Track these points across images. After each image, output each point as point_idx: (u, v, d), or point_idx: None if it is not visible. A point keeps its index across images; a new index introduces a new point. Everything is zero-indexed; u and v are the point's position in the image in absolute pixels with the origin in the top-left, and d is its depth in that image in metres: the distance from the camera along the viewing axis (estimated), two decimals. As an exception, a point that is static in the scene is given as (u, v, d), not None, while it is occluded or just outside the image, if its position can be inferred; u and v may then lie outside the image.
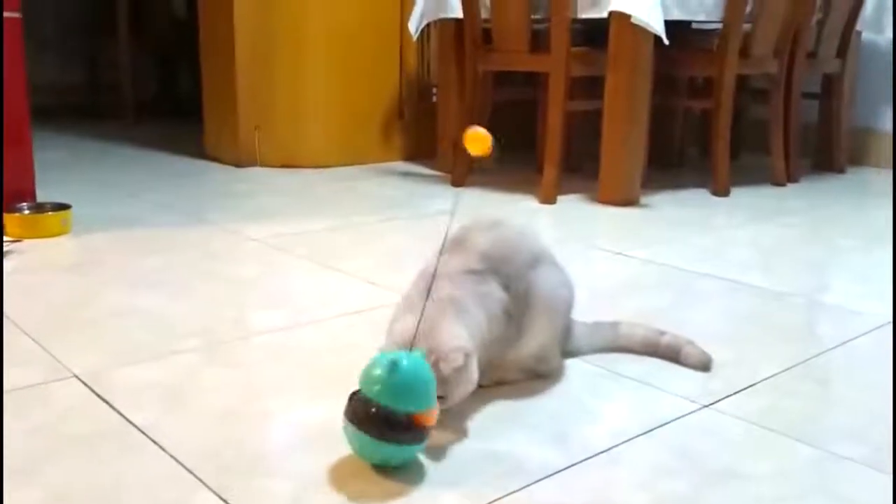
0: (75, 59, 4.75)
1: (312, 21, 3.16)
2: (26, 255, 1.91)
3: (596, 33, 2.65)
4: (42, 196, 2.25)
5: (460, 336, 1.06)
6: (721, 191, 2.79)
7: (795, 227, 2.37)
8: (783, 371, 1.32)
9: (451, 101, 3.07)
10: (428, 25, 3.10)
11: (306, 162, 3.19)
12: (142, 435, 1.07)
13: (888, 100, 3.47)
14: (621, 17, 2.46)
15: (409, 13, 3.08)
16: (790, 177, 3.04)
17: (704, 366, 1.32)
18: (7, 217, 2.05)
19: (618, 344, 1.38)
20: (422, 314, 1.05)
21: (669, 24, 2.46)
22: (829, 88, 3.27)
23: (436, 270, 1.13)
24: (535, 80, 3.13)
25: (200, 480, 0.97)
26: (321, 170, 3.16)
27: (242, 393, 1.21)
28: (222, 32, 3.17)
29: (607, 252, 2.06)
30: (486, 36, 2.78)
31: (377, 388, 0.96)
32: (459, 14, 2.83)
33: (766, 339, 1.49)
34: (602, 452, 1.05)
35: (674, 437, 1.10)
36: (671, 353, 1.35)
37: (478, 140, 1.03)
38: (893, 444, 1.08)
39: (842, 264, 2.02)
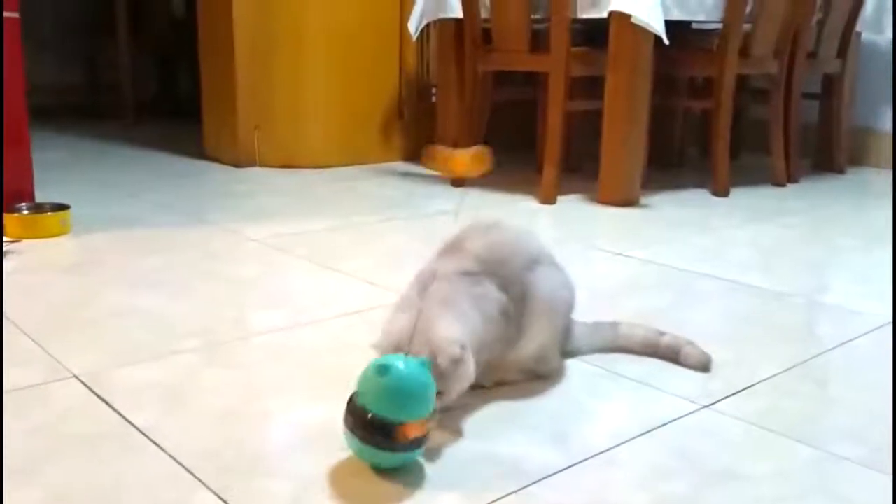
0: (74, 60, 4.75)
1: (312, 21, 3.16)
2: (26, 256, 1.91)
3: (596, 33, 2.65)
4: (41, 196, 2.25)
5: (455, 331, 1.06)
6: (721, 191, 2.80)
7: (795, 228, 2.37)
8: (783, 371, 1.32)
9: (451, 101, 3.07)
10: (428, 25, 3.10)
11: (306, 162, 3.19)
12: (141, 435, 1.07)
13: (888, 100, 3.47)
14: (621, 17, 2.46)
15: (409, 13, 3.09)
16: (790, 177, 3.04)
17: (704, 366, 1.32)
18: (6, 217, 2.05)
19: (617, 344, 1.38)
20: (417, 313, 1.05)
21: (669, 24, 2.46)
22: (830, 88, 3.27)
23: (430, 271, 1.13)
24: (534, 80, 3.13)
25: (200, 481, 0.97)
26: (321, 170, 3.16)
27: (242, 393, 1.21)
28: (222, 32, 3.17)
29: (607, 252, 2.06)
30: (486, 36, 2.78)
31: (369, 395, 0.96)
32: (459, 14, 2.83)
33: (765, 339, 1.49)
34: (601, 453, 1.05)
35: (673, 437, 1.10)
36: (671, 354, 1.35)
37: (473, 162, 1.04)
38: (893, 445, 1.08)
39: (842, 264, 2.02)
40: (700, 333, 1.40)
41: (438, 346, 1.03)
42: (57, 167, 3.05)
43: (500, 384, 1.22)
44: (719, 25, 2.73)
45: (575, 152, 3.14)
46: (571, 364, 1.33)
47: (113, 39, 4.37)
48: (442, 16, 2.95)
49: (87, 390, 1.20)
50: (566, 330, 1.30)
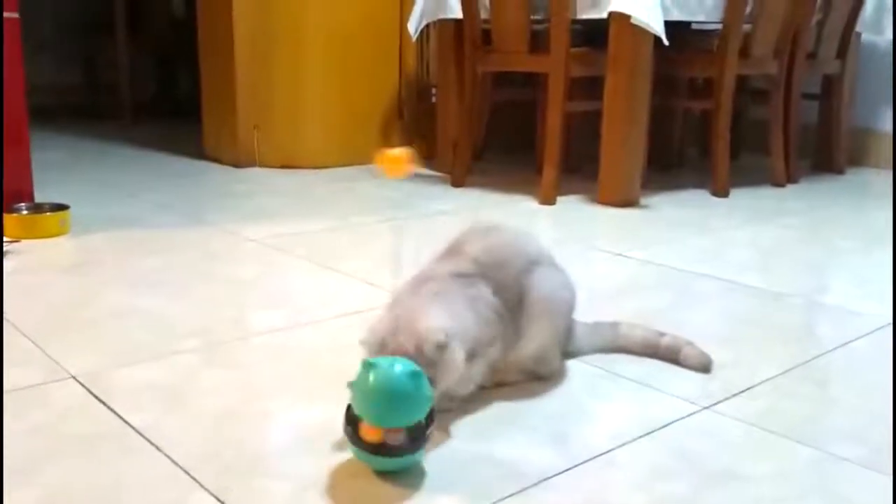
0: (73, 60, 4.75)
1: (312, 21, 3.16)
2: (25, 256, 1.91)
3: (595, 34, 2.65)
4: (41, 196, 2.25)
5: (440, 321, 1.06)
6: (720, 191, 2.80)
7: (795, 228, 2.37)
8: (783, 372, 1.32)
9: (451, 101, 3.07)
10: (427, 26, 3.10)
11: (305, 162, 3.19)
12: (140, 436, 1.07)
13: (887, 101, 3.47)
14: (621, 18, 2.46)
15: (409, 13, 3.09)
16: (790, 177, 3.04)
17: (704, 367, 1.32)
18: (6, 217, 2.05)
19: (617, 344, 1.38)
20: (405, 308, 1.06)
21: (669, 25, 2.46)
22: (829, 89, 3.27)
23: (426, 272, 1.14)
24: (534, 81, 3.13)
25: (199, 481, 0.96)
26: (320, 170, 3.16)
27: (241, 393, 1.21)
28: (221, 32, 3.17)
29: (607, 253, 2.06)
30: (486, 36, 2.78)
31: (354, 386, 0.97)
32: (459, 14, 2.83)
33: (765, 340, 1.49)
34: (601, 454, 1.05)
35: (673, 438, 1.10)
36: (671, 355, 1.35)
37: (395, 162, 1.04)
38: (893, 445, 1.08)
39: (841, 265, 2.02)
40: (699, 334, 1.40)
41: (422, 335, 1.03)
42: (56, 167, 3.04)
43: (500, 385, 1.22)
44: (719, 26, 2.73)
45: (574, 153, 3.14)
46: (571, 365, 1.33)
47: (112, 39, 4.37)
48: (442, 16, 2.95)
49: (85, 391, 1.20)
50: (568, 330, 1.30)
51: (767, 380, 1.29)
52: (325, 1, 3.17)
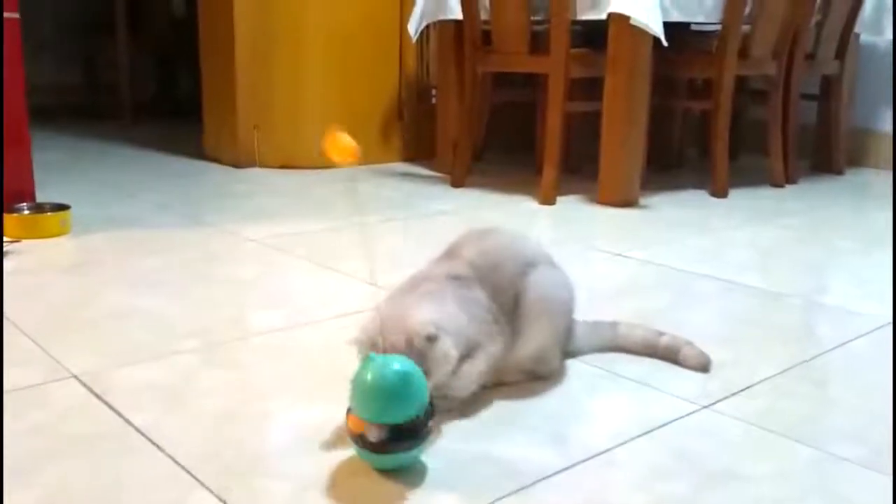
0: (73, 60, 4.74)
1: (312, 21, 3.16)
2: (25, 256, 1.91)
3: (595, 35, 2.65)
4: (41, 196, 2.25)
5: (430, 315, 1.07)
6: (720, 192, 2.80)
7: (794, 229, 2.37)
8: (782, 372, 1.33)
9: (451, 102, 3.07)
10: (427, 27, 3.10)
11: (305, 162, 3.19)
12: (141, 435, 1.07)
13: (887, 101, 3.47)
14: (620, 19, 2.47)
15: (409, 14, 3.09)
16: (789, 178, 3.05)
17: (703, 367, 1.32)
18: (6, 217, 2.05)
19: (616, 344, 1.39)
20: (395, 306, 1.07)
21: (668, 26, 2.46)
22: (828, 90, 3.27)
23: (422, 274, 1.15)
24: (534, 82, 3.13)
25: (199, 481, 0.97)
26: (320, 170, 3.16)
27: (241, 393, 1.21)
28: (221, 32, 3.17)
29: (606, 253, 2.06)
30: (486, 37, 2.78)
31: (350, 388, 0.98)
32: (459, 15, 2.83)
33: (764, 340, 1.49)
34: (601, 453, 1.05)
35: (673, 438, 1.10)
36: (670, 354, 1.35)
37: (342, 149, 1.04)
38: (893, 445, 1.09)
39: (840, 266, 2.02)
40: (699, 334, 1.40)
41: (412, 328, 1.04)
42: (56, 167, 3.04)
43: (499, 384, 1.22)
44: (718, 27, 2.73)
45: (574, 153, 3.14)
46: (571, 364, 1.33)
47: (112, 39, 4.37)
48: (442, 17, 2.95)
49: (86, 390, 1.20)
50: (568, 330, 1.30)
51: (767, 379, 1.29)
52: (325, 1, 3.17)
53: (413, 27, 3.04)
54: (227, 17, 3.12)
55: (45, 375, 1.25)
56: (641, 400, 1.22)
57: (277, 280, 1.80)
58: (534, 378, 1.26)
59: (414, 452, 0.98)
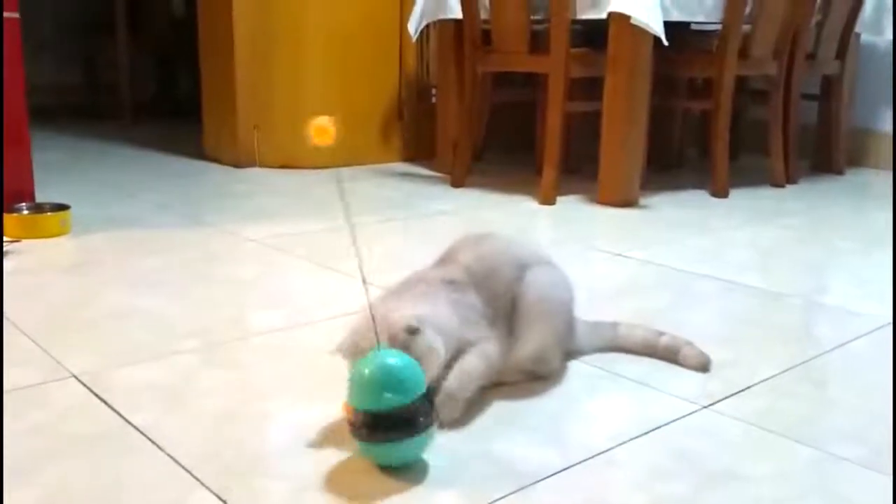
0: (73, 60, 4.75)
1: (312, 21, 3.16)
2: (25, 256, 1.91)
3: (595, 34, 2.65)
4: (41, 196, 2.25)
5: (413, 311, 1.07)
6: (720, 192, 2.80)
7: (794, 229, 2.37)
8: (782, 372, 1.32)
9: (451, 102, 3.07)
10: (427, 26, 3.10)
11: (305, 162, 3.19)
12: (141, 435, 1.07)
13: (887, 101, 3.47)
14: (621, 19, 2.47)
15: (409, 14, 3.09)
16: (789, 178, 3.05)
17: (703, 367, 1.32)
18: (6, 217, 2.05)
19: (616, 344, 1.39)
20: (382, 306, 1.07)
21: (669, 26, 2.46)
22: (828, 90, 3.27)
23: (417, 278, 1.15)
24: (534, 82, 3.13)
25: (199, 481, 0.97)
26: (320, 170, 3.16)
27: (241, 393, 1.21)
28: (221, 32, 3.17)
29: (606, 253, 2.06)
30: (486, 37, 2.78)
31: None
32: (459, 15, 2.83)
33: (764, 340, 1.49)
34: (600, 454, 1.05)
35: (672, 438, 1.10)
36: (670, 354, 1.35)
37: (319, 129, 1.05)
38: (893, 445, 1.09)
39: (840, 266, 2.02)
40: (699, 334, 1.40)
41: (395, 323, 1.04)
42: (56, 167, 3.05)
43: (499, 385, 1.22)
44: (718, 26, 2.73)
45: (574, 153, 3.14)
46: (571, 364, 1.33)
47: (112, 39, 4.37)
48: (442, 17, 2.95)
49: (86, 390, 1.20)
50: (569, 329, 1.30)
51: (767, 379, 1.29)
52: (325, 1, 3.17)
53: (413, 27, 3.04)
54: (227, 17, 3.12)
55: (44, 375, 1.25)
56: (641, 400, 1.22)
57: (277, 280, 1.80)
58: (534, 378, 1.26)
59: (405, 447, 0.97)
